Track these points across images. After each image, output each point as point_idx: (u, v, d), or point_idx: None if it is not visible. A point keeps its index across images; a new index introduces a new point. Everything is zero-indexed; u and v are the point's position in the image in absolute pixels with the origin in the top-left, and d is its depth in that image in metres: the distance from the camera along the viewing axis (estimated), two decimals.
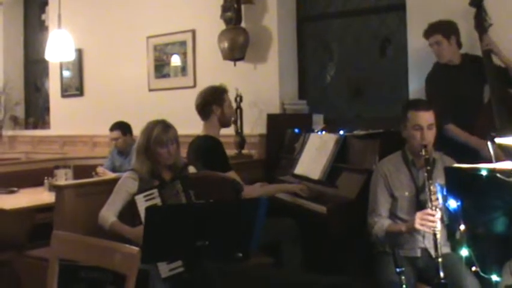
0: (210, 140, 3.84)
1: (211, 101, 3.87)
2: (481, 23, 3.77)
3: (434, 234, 2.84)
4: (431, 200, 2.89)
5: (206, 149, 3.79)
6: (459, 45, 3.89)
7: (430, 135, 3.10)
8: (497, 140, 2.70)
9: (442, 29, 3.82)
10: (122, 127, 5.31)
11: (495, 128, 3.47)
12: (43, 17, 7.84)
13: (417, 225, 2.89)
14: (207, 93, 3.91)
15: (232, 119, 4.08)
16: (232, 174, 3.66)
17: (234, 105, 4.46)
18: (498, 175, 2.23)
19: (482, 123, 3.64)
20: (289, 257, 3.75)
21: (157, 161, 3.34)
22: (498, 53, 3.75)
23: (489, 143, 2.65)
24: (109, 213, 3.23)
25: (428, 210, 2.88)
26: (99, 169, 5.04)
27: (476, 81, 3.81)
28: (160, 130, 3.34)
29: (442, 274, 2.76)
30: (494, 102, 3.63)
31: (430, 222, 2.85)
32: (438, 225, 2.85)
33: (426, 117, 3.10)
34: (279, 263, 3.75)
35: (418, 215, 2.91)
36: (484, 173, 2.28)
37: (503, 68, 3.78)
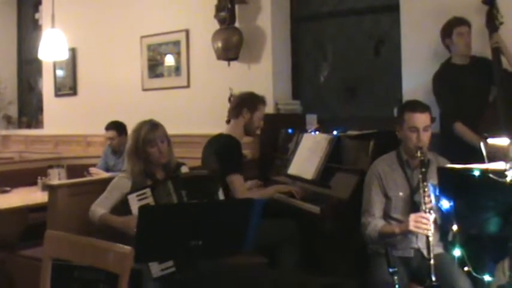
0: (232, 139, 3.87)
1: (244, 104, 3.92)
2: (492, 21, 3.79)
3: (427, 237, 2.84)
4: (425, 203, 2.89)
5: (224, 146, 3.82)
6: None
7: (426, 137, 3.09)
8: (490, 141, 2.71)
9: (468, 23, 3.88)
10: (118, 127, 5.30)
11: (499, 127, 3.48)
12: (36, 16, 7.83)
13: (411, 227, 2.88)
14: (245, 96, 3.99)
15: (258, 132, 4.08)
16: (237, 178, 3.67)
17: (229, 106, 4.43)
18: (491, 175, 2.24)
19: (486, 122, 3.64)
20: (287, 258, 3.75)
21: (149, 161, 3.33)
22: (506, 53, 3.76)
23: (482, 144, 2.65)
24: (100, 208, 3.24)
25: (422, 213, 2.87)
26: (92, 169, 5.04)
27: (483, 82, 3.82)
28: (148, 129, 3.33)
29: (434, 278, 2.76)
30: (500, 101, 3.64)
31: (424, 225, 2.84)
32: (432, 228, 2.85)
33: (422, 119, 3.09)
34: (274, 263, 3.75)
35: (412, 217, 2.90)
36: (476, 173, 2.29)
37: (510, 73, 3.79)
